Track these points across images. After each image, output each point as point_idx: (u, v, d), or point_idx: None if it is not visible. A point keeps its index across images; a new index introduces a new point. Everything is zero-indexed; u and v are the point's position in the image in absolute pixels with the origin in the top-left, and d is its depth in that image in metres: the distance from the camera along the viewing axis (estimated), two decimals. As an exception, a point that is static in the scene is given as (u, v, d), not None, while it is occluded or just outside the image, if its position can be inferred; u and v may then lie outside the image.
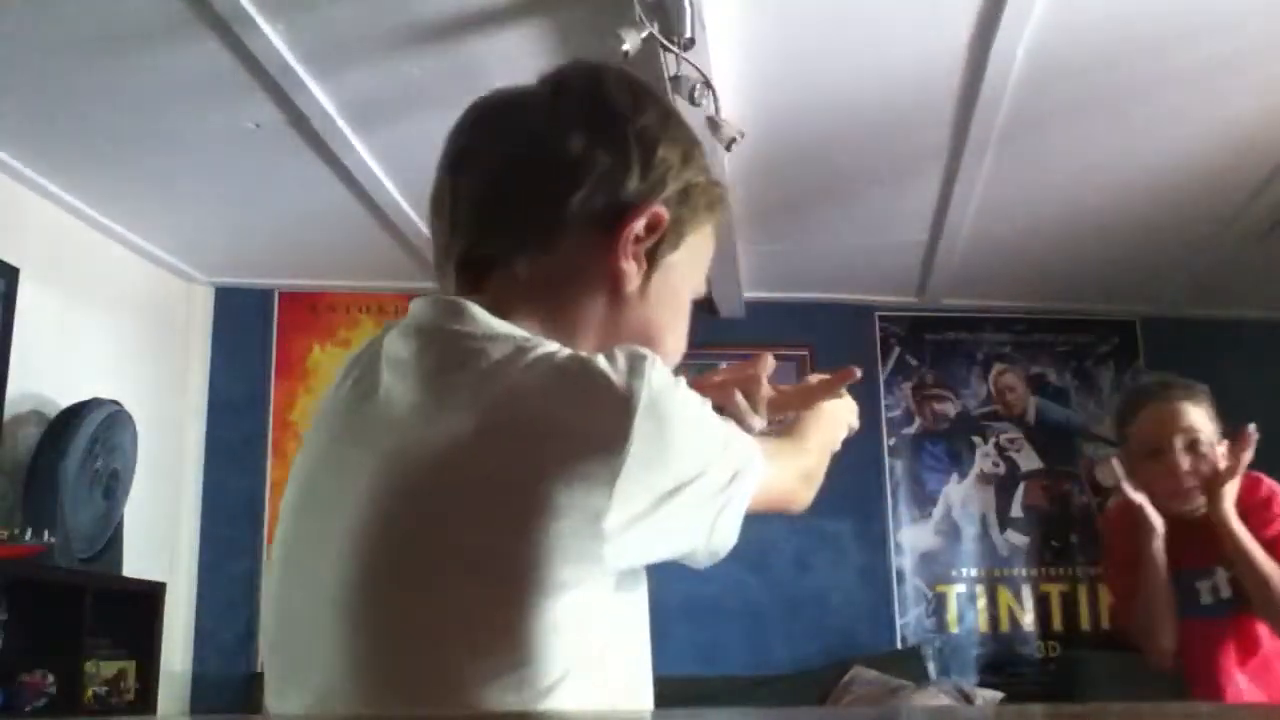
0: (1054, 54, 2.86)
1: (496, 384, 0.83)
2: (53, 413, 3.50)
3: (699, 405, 0.88)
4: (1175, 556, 2.08)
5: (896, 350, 4.85)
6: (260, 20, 2.68)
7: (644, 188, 0.94)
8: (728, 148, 2.83)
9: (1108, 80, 3.04)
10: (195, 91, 3.06)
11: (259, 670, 4.02)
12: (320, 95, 3.05)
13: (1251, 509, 2.05)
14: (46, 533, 3.21)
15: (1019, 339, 4.90)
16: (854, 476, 4.46)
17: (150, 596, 3.70)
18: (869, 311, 4.85)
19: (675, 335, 1.01)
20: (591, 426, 0.80)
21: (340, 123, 3.20)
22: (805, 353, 4.71)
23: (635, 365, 0.83)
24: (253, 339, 4.62)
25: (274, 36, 2.75)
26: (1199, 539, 2.07)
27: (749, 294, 4.62)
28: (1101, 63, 2.96)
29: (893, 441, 4.73)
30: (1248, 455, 2.02)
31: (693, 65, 2.61)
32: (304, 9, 2.68)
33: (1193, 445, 2.09)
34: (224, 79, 2.96)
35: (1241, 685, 2.07)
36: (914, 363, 4.85)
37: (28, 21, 2.72)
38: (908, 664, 4.29)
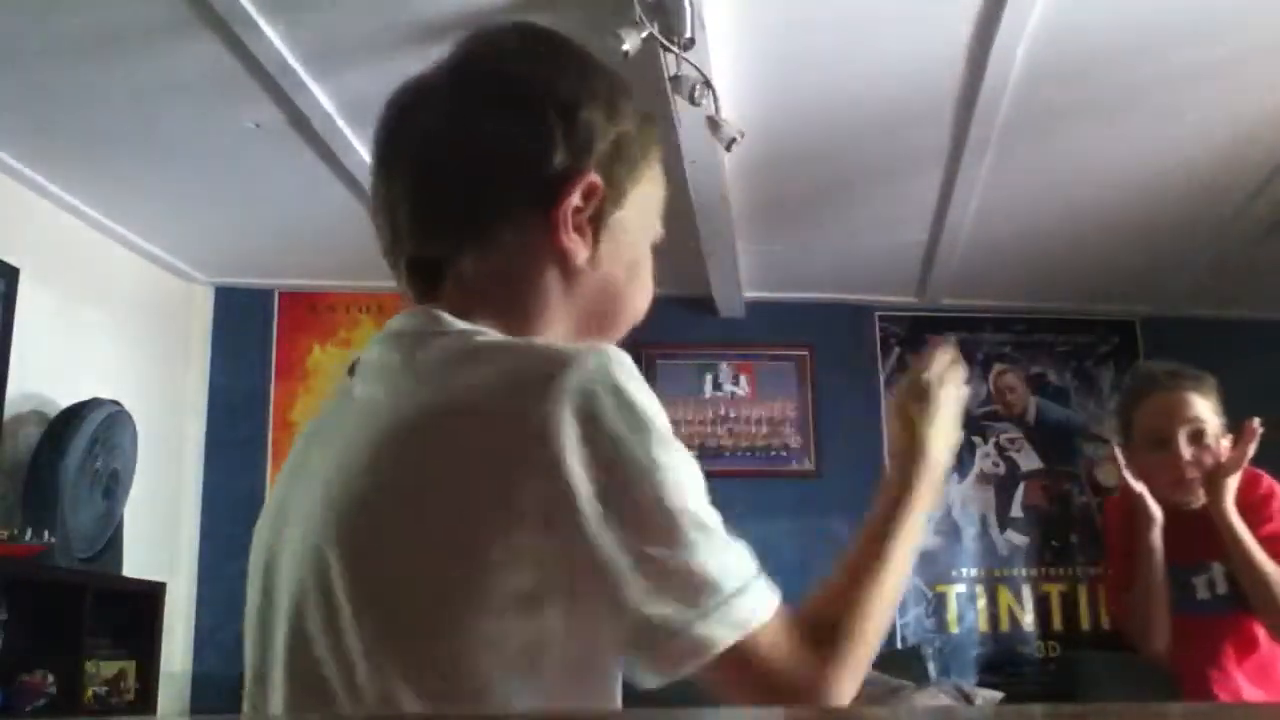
0: (1054, 54, 2.86)
1: (450, 376, 0.83)
2: (53, 413, 3.50)
3: (665, 421, 0.81)
4: (1171, 551, 2.06)
5: (896, 350, 4.84)
6: (260, 20, 2.68)
7: (571, 158, 0.89)
8: (728, 148, 2.83)
9: (1108, 80, 3.04)
10: (195, 91, 3.06)
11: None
12: (320, 95, 3.05)
13: (1249, 506, 2.03)
14: (46, 533, 3.21)
15: (1019, 339, 4.90)
16: (854, 476, 4.46)
17: (150, 596, 3.70)
18: (869, 311, 4.84)
19: (639, 287, 0.97)
20: (529, 410, 0.78)
21: (340, 123, 3.20)
22: (805, 353, 4.71)
23: (585, 353, 0.80)
24: (253, 339, 4.62)
25: (274, 36, 2.76)
26: (1196, 533, 2.05)
27: (749, 294, 4.62)
28: (1101, 63, 2.96)
29: (893, 441, 4.73)
30: (1250, 449, 1.99)
31: (693, 65, 2.61)
32: (304, 9, 2.68)
33: (1197, 436, 2.06)
34: (224, 79, 2.96)
35: (1240, 684, 2.05)
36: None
37: (27, 21, 2.72)
38: (908, 664, 4.29)
